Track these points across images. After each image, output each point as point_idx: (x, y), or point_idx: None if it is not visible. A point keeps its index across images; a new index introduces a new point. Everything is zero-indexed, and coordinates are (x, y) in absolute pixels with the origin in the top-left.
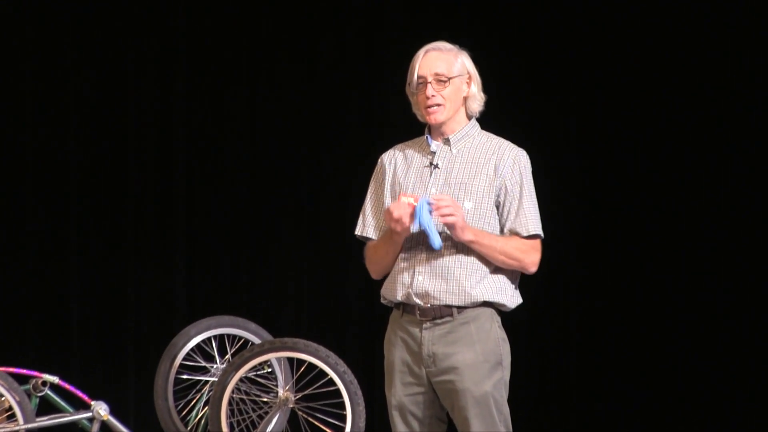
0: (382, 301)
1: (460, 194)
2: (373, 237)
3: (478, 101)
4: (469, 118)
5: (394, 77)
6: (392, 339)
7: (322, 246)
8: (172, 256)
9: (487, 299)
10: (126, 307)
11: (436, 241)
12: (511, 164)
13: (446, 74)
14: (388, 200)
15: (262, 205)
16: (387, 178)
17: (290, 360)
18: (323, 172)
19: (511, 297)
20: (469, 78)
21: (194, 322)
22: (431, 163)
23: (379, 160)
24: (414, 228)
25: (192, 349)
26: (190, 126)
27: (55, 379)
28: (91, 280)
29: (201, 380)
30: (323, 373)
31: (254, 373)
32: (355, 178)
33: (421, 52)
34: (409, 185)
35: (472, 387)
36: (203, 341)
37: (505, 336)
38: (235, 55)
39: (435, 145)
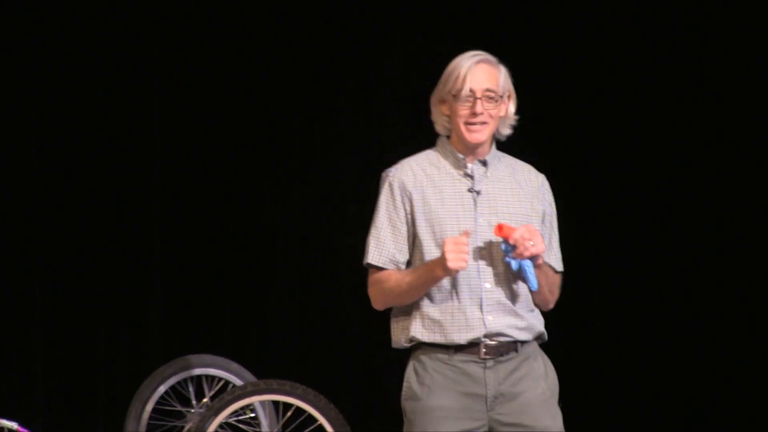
0: (408, 344)
1: (511, 224)
2: (389, 268)
3: (511, 122)
4: (501, 136)
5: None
6: (437, 381)
7: (312, 280)
8: (147, 287)
9: (541, 331)
10: (95, 343)
11: (535, 281)
12: (545, 192)
13: (497, 92)
14: (421, 229)
15: (245, 236)
16: (416, 204)
17: (276, 404)
18: (308, 202)
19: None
20: (509, 96)
21: (170, 361)
22: (472, 189)
23: (392, 179)
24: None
25: (166, 392)
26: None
27: (14, 426)
28: (57, 311)
29: (176, 426)
30: (312, 419)
31: (235, 419)
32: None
33: (469, 62)
34: (448, 214)
35: (550, 425)
36: (179, 383)
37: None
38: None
39: (471, 167)
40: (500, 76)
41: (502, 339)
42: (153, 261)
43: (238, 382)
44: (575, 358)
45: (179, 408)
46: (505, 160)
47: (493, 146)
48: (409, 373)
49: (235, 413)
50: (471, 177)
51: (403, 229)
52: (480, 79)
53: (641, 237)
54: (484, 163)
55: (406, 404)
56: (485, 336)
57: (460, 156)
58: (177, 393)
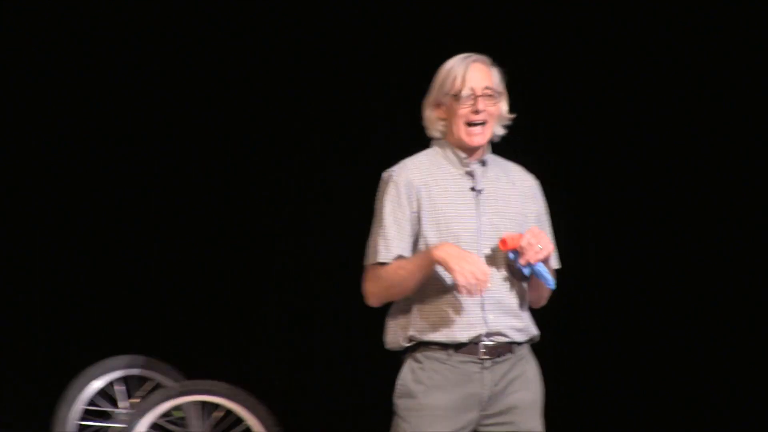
0: (407, 343)
1: (511, 224)
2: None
3: (505, 122)
4: (496, 137)
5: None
6: (435, 380)
7: (237, 279)
8: (75, 287)
9: (535, 333)
10: (21, 344)
11: (552, 279)
12: (537, 192)
13: (495, 89)
14: (426, 227)
15: (176, 233)
16: (423, 202)
17: (204, 404)
18: (251, 199)
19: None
20: (502, 95)
21: (98, 361)
22: (474, 188)
23: (396, 178)
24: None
25: (95, 392)
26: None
27: None
28: None
29: (104, 427)
30: (241, 420)
31: (165, 420)
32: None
33: (464, 62)
34: (453, 213)
35: (536, 427)
36: (108, 383)
37: None
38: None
39: (472, 166)
40: (495, 75)
41: (500, 339)
42: (80, 261)
43: (167, 382)
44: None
45: (107, 409)
46: (498, 160)
47: (489, 148)
48: (405, 371)
49: (164, 414)
50: (472, 176)
51: (408, 227)
52: (478, 78)
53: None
54: (483, 163)
55: (400, 401)
56: (486, 335)
57: (463, 155)
58: (105, 394)
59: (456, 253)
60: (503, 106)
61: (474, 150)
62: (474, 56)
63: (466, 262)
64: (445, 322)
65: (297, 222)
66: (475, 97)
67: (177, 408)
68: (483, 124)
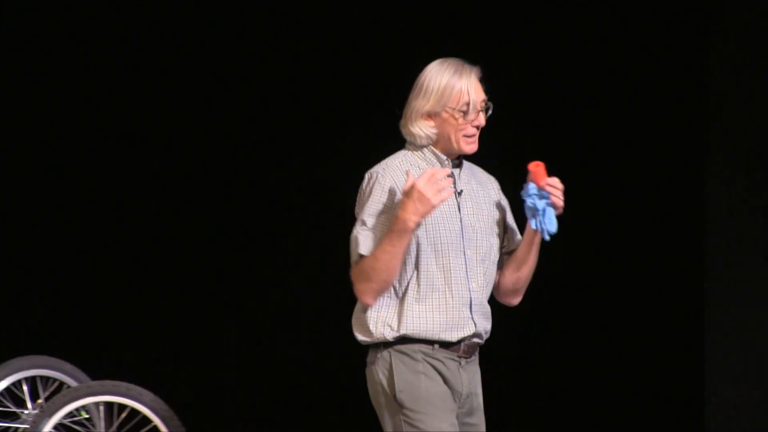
0: (392, 338)
1: (486, 225)
2: None
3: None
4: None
5: None
6: (428, 369)
7: (145, 281)
8: None
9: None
10: None
11: (553, 224)
12: (502, 193)
13: (485, 99)
14: (420, 234)
15: (90, 236)
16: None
17: (110, 405)
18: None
19: None
20: None
21: (2, 362)
22: (454, 189)
23: (382, 179)
24: (533, 224)
25: (0, 393)
26: None
27: None
28: None
29: (10, 427)
30: (147, 420)
31: (70, 420)
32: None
33: (464, 72)
34: (438, 214)
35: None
36: (13, 384)
37: None
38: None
39: (453, 168)
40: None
41: (477, 341)
42: None
43: (73, 383)
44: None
45: (13, 409)
46: (465, 162)
47: None
48: (395, 365)
49: (70, 414)
50: (452, 177)
51: (390, 224)
52: (480, 91)
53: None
54: (459, 165)
55: (403, 395)
56: (476, 336)
57: (444, 157)
58: (11, 394)
59: (413, 196)
60: None
61: (459, 154)
62: (468, 66)
63: (420, 182)
64: (435, 322)
65: (198, 221)
66: (477, 112)
67: (83, 408)
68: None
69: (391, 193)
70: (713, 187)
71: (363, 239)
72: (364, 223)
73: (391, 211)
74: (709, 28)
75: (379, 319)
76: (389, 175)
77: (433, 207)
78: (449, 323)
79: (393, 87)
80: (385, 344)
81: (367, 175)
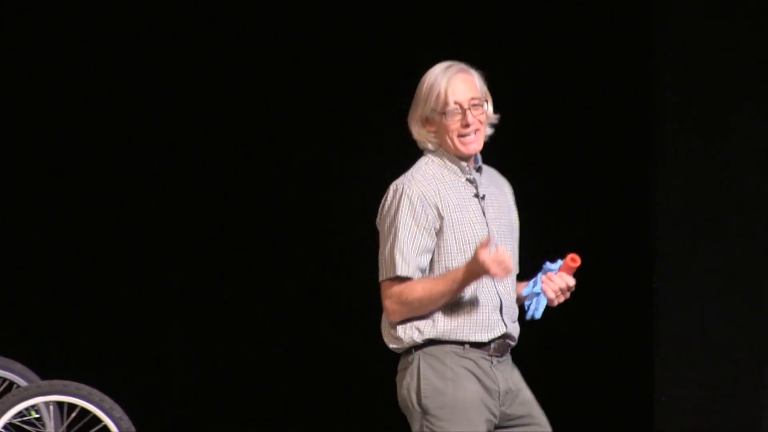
0: (420, 342)
1: (507, 231)
2: (414, 277)
3: (492, 122)
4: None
5: None
6: (459, 373)
7: (105, 280)
8: None
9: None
10: None
11: (540, 314)
12: (513, 197)
13: (480, 98)
14: (448, 237)
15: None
16: (440, 213)
17: (60, 405)
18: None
19: None
20: (488, 98)
21: None
22: (476, 194)
23: (409, 192)
24: (525, 292)
25: None
26: None
27: None
28: None
29: None
30: (97, 420)
31: (20, 420)
32: None
33: (445, 75)
34: (466, 221)
35: (544, 422)
36: None
37: None
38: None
39: (472, 172)
40: (476, 81)
41: (508, 340)
42: None
43: (22, 382)
44: None
45: None
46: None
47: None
48: (424, 370)
49: (20, 414)
50: (473, 183)
51: (424, 241)
52: (463, 90)
53: None
54: (479, 169)
55: (428, 401)
56: (503, 336)
57: (464, 163)
58: None
59: (487, 261)
60: (489, 108)
61: (470, 157)
62: (455, 66)
63: (499, 263)
64: (464, 324)
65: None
66: (463, 111)
67: (33, 408)
68: (476, 131)
69: (421, 206)
70: (662, 187)
71: (400, 260)
72: (396, 239)
73: (421, 228)
74: (654, 31)
75: (408, 325)
76: (415, 188)
77: (487, 273)
78: (479, 325)
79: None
80: (415, 348)
81: (392, 188)
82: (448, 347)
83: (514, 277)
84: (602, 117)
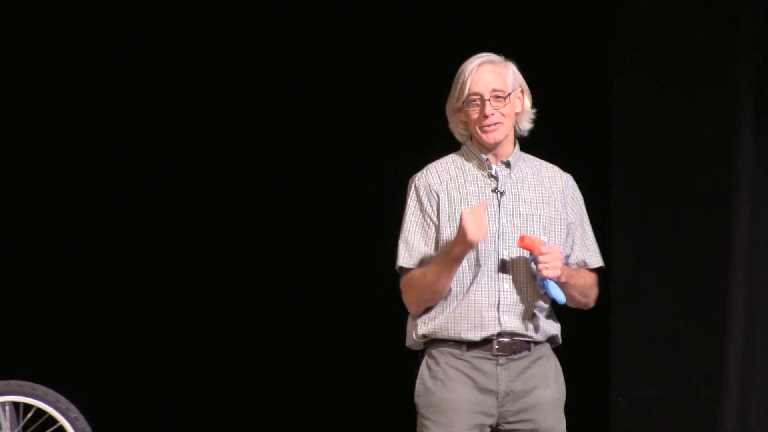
0: (421, 339)
1: (536, 227)
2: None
3: (528, 117)
4: (518, 137)
5: None
6: (452, 375)
7: (59, 273)
8: None
9: (554, 333)
10: None
11: (561, 296)
12: (572, 192)
13: (504, 90)
14: (446, 229)
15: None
16: (441, 204)
17: (16, 405)
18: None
19: (559, 333)
20: (522, 92)
21: None
22: (496, 189)
23: (417, 183)
24: (551, 294)
25: None
26: None
27: None
28: None
29: None
30: (53, 420)
31: None
32: None
33: (471, 65)
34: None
35: (555, 426)
36: None
37: None
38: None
39: (495, 168)
40: (508, 74)
41: (516, 338)
42: None
43: None
44: None
45: None
46: (530, 161)
47: (517, 147)
48: (422, 369)
49: None
50: (495, 178)
51: (430, 231)
52: (485, 81)
53: None
54: (507, 164)
55: (419, 400)
56: (498, 335)
57: (484, 157)
58: None
59: (468, 229)
60: (526, 101)
61: (496, 149)
62: (483, 57)
63: (465, 218)
64: (458, 321)
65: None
66: (483, 101)
67: None
68: (497, 123)
69: (426, 196)
70: (617, 188)
71: (401, 251)
72: (403, 232)
73: (426, 218)
74: (608, 34)
75: (413, 325)
76: (424, 180)
77: (472, 243)
78: (471, 323)
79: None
80: (424, 346)
81: (409, 181)
82: (446, 348)
83: (529, 274)
84: (558, 118)
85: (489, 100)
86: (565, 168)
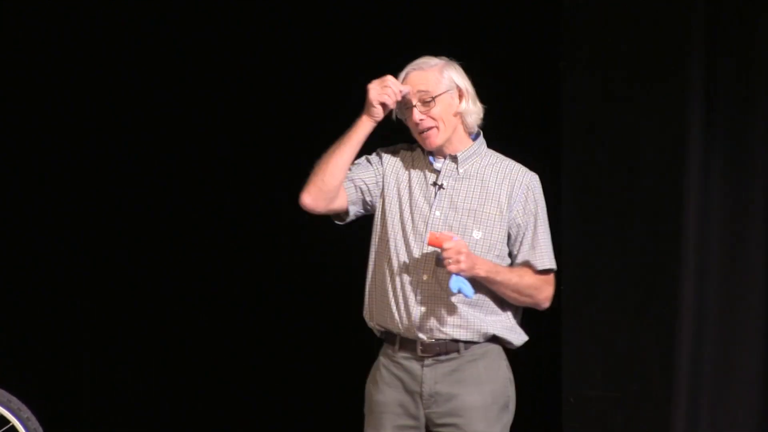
0: (369, 324)
1: (469, 221)
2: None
3: (473, 115)
4: (470, 134)
5: None
6: (384, 377)
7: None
8: None
9: (498, 335)
10: None
11: (470, 291)
12: (524, 191)
13: (431, 92)
14: (389, 211)
15: None
16: (387, 184)
17: None
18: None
19: (519, 335)
20: (459, 92)
21: None
22: (435, 183)
23: (381, 151)
24: (454, 290)
25: None
26: None
27: None
28: None
29: None
30: (4, 420)
31: None
32: None
33: (401, 74)
34: (406, 201)
35: (483, 430)
36: None
37: (512, 376)
38: None
39: (440, 163)
40: (437, 77)
41: (439, 337)
42: None
43: None
44: None
45: None
46: (488, 158)
47: (474, 143)
48: (371, 371)
49: None
50: (438, 172)
51: (371, 167)
52: (412, 86)
53: None
54: (454, 159)
55: (365, 403)
56: (418, 329)
57: (428, 153)
58: None
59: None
60: (464, 103)
61: (447, 146)
62: (412, 64)
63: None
64: (383, 308)
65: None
66: (412, 107)
67: None
68: (431, 128)
69: (379, 159)
70: (567, 187)
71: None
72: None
73: (373, 162)
74: (558, 31)
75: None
76: (388, 153)
77: (371, 101)
78: (392, 313)
79: None
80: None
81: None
82: (385, 349)
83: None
84: (511, 121)
85: (416, 105)
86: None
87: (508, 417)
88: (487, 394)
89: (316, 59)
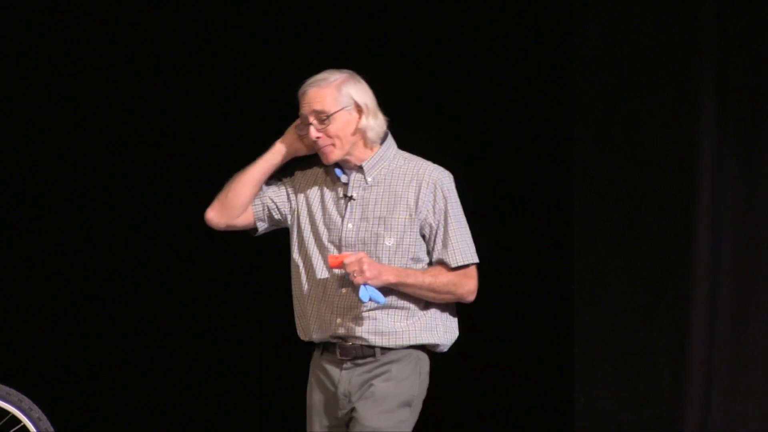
0: (303, 338)
1: (380, 230)
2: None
3: (373, 130)
4: (375, 143)
5: None
6: (312, 380)
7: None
8: None
9: (415, 341)
10: None
11: (380, 297)
12: (432, 190)
13: (326, 111)
14: (304, 226)
15: None
16: (299, 189)
17: None
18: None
19: (443, 334)
20: (358, 108)
21: None
22: (345, 195)
23: (298, 167)
24: (365, 299)
25: None
26: None
27: None
28: None
29: None
30: (16, 420)
31: None
32: None
33: (299, 92)
34: (324, 217)
35: (368, 419)
36: None
37: (425, 377)
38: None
39: (346, 176)
40: (333, 94)
41: (357, 342)
42: None
43: None
44: None
45: None
46: (396, 162)
47: (381, 148)
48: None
49: None
50: (346, 184)
51: (278, 193)
52: (308, 105)
53: None
54: (360, 169)
55: None
56: (335, 337)
57: (335, 168)
58: None
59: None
60: (363, 119)
61: (349, 158)
62: (310, 81)
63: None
64: (303, 319)
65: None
66: (308, 125)
67: None
68: (328, 145)
69: (288, 178)
70: (581, 187)
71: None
72: None
73: (277, 185)
74: (570, 32)
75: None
76: (297, 169)
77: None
78: (310, 323)
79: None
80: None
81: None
82: (315, 353)
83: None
84: (522, 120)
85: (313, 123)
86: (528, 169)
87: (408, 416)
88: (390, 387)
89: (319, 60)
